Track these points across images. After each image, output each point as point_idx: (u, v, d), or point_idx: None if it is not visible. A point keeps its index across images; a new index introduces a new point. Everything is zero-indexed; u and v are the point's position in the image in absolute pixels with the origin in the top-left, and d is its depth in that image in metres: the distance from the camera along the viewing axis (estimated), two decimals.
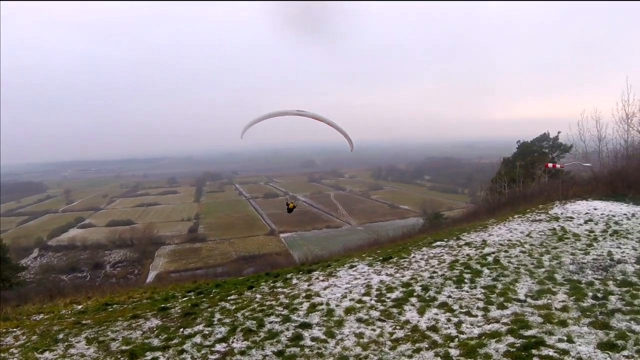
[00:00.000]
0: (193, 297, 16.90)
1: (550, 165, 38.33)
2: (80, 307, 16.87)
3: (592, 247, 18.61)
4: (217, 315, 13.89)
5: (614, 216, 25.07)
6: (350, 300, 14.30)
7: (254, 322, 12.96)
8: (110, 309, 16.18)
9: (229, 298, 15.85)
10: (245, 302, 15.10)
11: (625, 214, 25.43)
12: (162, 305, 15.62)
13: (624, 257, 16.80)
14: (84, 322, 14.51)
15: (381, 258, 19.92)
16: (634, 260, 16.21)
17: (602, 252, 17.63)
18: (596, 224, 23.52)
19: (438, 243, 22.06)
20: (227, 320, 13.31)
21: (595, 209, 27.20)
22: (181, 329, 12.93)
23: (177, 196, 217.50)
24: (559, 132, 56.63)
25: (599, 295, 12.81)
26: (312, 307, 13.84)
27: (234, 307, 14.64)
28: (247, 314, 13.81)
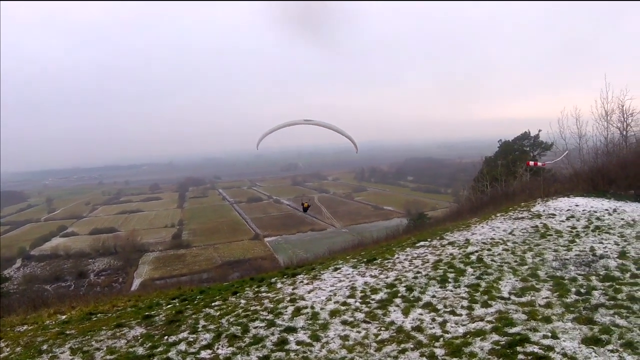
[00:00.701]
0: (177, 304, 16.68)
1: (531, 163, 38.77)
2: (64, 317, 16.64)
3: (575, 243, 18.73)
4: (202, 322, 13.71)
5: (595, 212, 25.28)
6: (335, 302, 14.21)
7: (239, 327, 12.82)
8: (95, 319, 15.93)
9: (213, 304, 15.67)
10: (229, 308, 14.95)
11: (606, 210, 25.65)
12: (147, 313, 15.42)
13: (607, 252, 16.92)
14: (68, 332, 14.28)
15: (365, 260, 19.85)
16: (616, 255, 16.34)
17: (585, 248, 17.75)
18: (578, 220, 23.71)
19: (422, 243, 22.05)
20: (212, 327, 13.15)
21: (577, 206, 27.42)
22: (166, 337, 12.75)
23: (159, 202, 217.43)
24: (539, 131, 57.18)
25: (583, 290, 12.88)
26: (297, 311, 13.73)
27: (218, 313, 14.47)
28: (231, 319, 13.66)
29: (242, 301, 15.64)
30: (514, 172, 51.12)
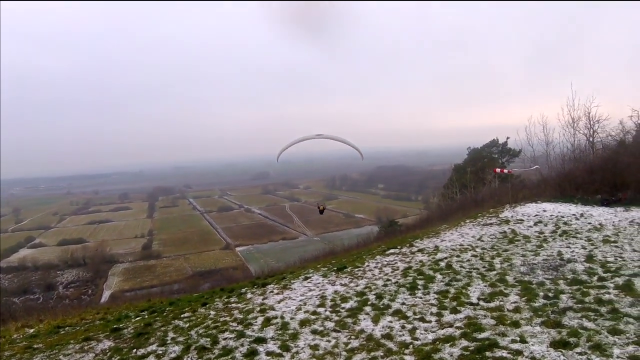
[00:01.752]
0: (146, 316, 16.45)
1: (498, 170, 39.38)
2: (32, 330, 16.29)
3: (542, 248, 18.96)
4: (171, 334, 13.51)
5: (563, 217, 25.71)
6: (304, 312, 14.11)
7: (208, 339, 12.63)
8: (63, 332, 15.63)
9: (182, 316, 15.49)
10: (199, 319, 14.78)
11: (574, 214, 26.10)
12: (115, 326, 15.15)
13: (574, 256, 17.15)
14: (35, 346, 13.99)
15: (335, 268, 19.81)
16: (583, 259, 16.54)
17: (552, 253, 17.98)
18: (546, 225, 24.07)
19: (392, 251, 22.11)
20: (181, 339, 12.95)
21: (544, 211, 27.84)
22: (134, 350, 12.53)
23: (129, 212, 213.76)
24: (507, 138, 58.03)
25: (550, 294, 12.99)
26: (267, 321, 13.59)
27: (187, 325, 14.29)
28: (201, 331, 13.49)
29: (212, 312, 15.49)
30: (482, 179, 51.61)
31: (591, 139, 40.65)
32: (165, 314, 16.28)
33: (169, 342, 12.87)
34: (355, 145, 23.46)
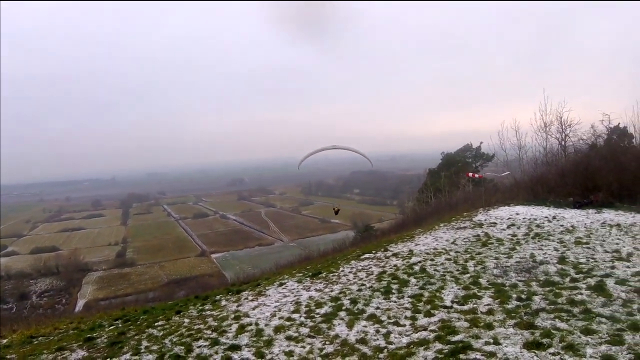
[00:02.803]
0: (120, 325, 16.20)
1: (471, 174, 39.83)
2: (5, 341, 15.96)
3: (515, 251, 19.08)
4: (145, 343, 13.31)
5: (535, 219, 25.97)
6: (279, 318, 14.01)
7: (182, 347, 12.49)
8: (36, 342, 15.30)
9: (156, 324, 15.27)
10: (173, 328, 14.59)
11: (546, 217, 26.40)
12: (88, 336, 14.86)
13: (546, 258, 17.30)
14: (8, 357, 13.72)
15: (310, 274, 19.71)
16: (555, 261, 16.69)
17: (525, 255, 18.10)
18: (518, 228, 24.26)
19: (366, 255, 22.05)
20: (155, 348, 12.77)
21: (517, 214, 28.11)
22: (107, 359, 12.37)
23: (102, 219, 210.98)
24: (481, 143, 58.65)
25: (523, 296, 13.08)
26: (241, 328, 13.45)
27: (161, 334, 14.09)
28: (175, 339, 13.32)
29: (186, 320, 15.31)
30: (456, 183, 51.98)
31: (563, 143, 41.30)
32: (139, 322, 16.05)
33: (142, 351, 12.68)
34: (364, 153, 24.92)
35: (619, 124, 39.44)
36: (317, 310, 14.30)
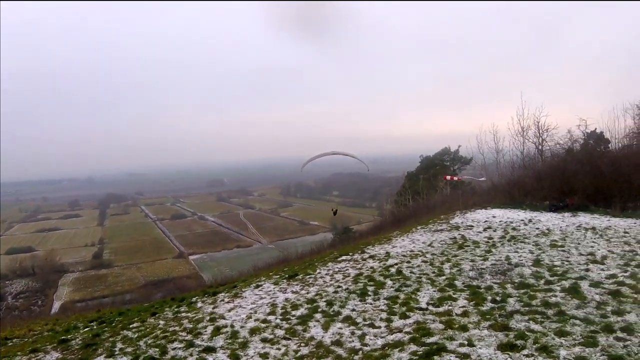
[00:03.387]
0: (95, 327, 16.08)
1: (448, 177, 40.19)
2: None
3: (491, 253, 19.17)
4: (119, 345, 13.22)
5: (511, 222, 26.19)
6: (255, 320, 13.96)
7: (157, 349, 12.41)
8: (10, 344, 15.16)
9: (131, 326, 15.17)
10: (148, 330, 14.49)
11: (522, 220, 26.63)
12: (63, 337, 14.72)
13: (521, 260, 17.40)
14: None
15: (287, 276, 19.65)
16: (531, 263, 16.82)
17: (501, 257, 18.20)
18: (495, 230, 24.42)
19: (343, 257, 22.05)
20: (129, 350, 12.68)
21: (494, 217, 28.33)
22: None
23: (79, 220, 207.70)
24: (459, 146, 59.09)
25: (498, 298, 13.14)
26: (217, 330, 13.40)
27: (136, 335, 13.99)
28: (149, 341, 13.23)
29: (161, 322, 15.21)
30: (435, 186, 52.30)
31: (540, 147, 41.76)
32: (114, 324, 15.93)
33: (117, 353, 12.60)
34: (360, 158, 26.02)
35: (596, 129, 39.96)
36: (293, 312, 14.26)
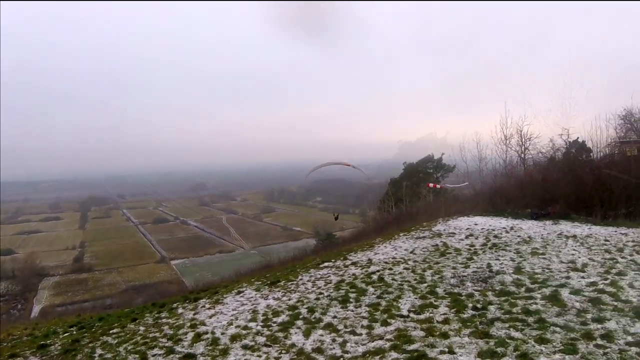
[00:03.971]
0: (75, 332, 15.88)
1: (431, 185, 40.47)
2: None
3: (472, 261, 19.20)
4: (99, 351, 13.10)
5: (493, 230, 26.30)
6: (236, 327, 13.88)
7: (137, 355, 12.34)
8: None
9: (111, 332, 15.02)
10: (128, 336, 14.37)
11: (504, 228, 26.73)
12: (42, 343, 14.57)
13: (503, 268, 17.46)
14: None
15: (269, 282, 19.57)
16: (512, 271, 16.89)
17: (482, 265, 18.24)
18: (476, 238, 24.49)
19: (326, 264, 21.99)
20: (109, 356, 12.59)
21: (476, 224, 28.45)
22: None
23: (60, 222, 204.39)
24: (442, 154, 59.49)
25: (479, 305, 13.18)
26: (197, 337, 13.31)
27: (116, 341, 13.88)
28: (129, 347, 13.13)
29: (141, 328, 15.06)
30: (418, 193, 52.49)
31: (522, 156, 42.20)
32: (94, 330, 15.75)
33: (96, 358, 12.51)
34: (358, 167, 27.71)
35: (578, 138, 40.36)
36: (274, 319, 14.18)
